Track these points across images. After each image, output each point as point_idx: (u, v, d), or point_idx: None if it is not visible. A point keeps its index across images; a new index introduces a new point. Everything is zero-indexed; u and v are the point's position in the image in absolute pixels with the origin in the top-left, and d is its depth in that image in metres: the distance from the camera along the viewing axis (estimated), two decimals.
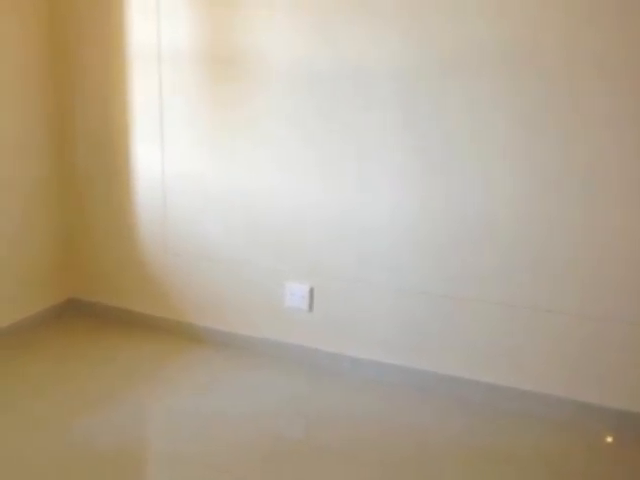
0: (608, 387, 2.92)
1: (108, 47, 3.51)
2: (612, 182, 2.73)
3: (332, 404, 3.13)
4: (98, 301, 3.92)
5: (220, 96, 3.32)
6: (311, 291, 3.36)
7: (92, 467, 2.60)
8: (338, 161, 3.14)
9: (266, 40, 3.15)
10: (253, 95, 3.24)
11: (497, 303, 3.01)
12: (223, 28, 3.23)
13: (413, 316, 3.18)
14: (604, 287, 2.84)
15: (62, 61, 3.65)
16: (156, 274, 3.71)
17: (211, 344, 3.62)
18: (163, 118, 3.46)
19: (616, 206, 2.75)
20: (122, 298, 3.85)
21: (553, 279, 2.91)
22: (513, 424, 2.97)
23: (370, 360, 3.31)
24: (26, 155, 3.60)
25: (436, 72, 2.88)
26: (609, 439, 2.89)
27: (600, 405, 2.94)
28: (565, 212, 2.82)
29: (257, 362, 3.46)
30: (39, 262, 3.78)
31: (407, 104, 2.95)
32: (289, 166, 3.25)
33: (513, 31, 2.73)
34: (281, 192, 3.30)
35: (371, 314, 3.26)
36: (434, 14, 2.82)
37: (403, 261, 3.13)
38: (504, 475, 2.64)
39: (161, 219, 3.60)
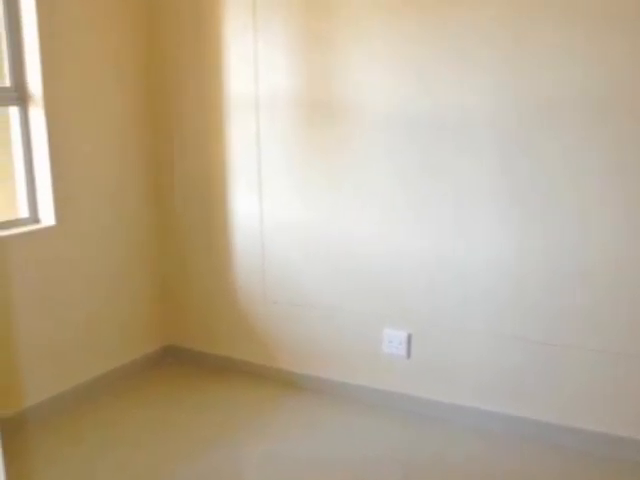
0: None
1: (206, 95, 3.64)
2: None
3: (430, 451, 3.09)
4: (195, 348, 4.00)
5: (317, 143, 3.40)
6: (409, 337, 3.36)
7: None
8: (435, 207, 3.16)
9: (364, 86, 3.21)
10: (350, 141, 3.31)
11: (593, 349, 2.96)
12: (321, 74, 3.31)
13: (510, 362, 3.14)
14: None
15: (160, 110, 3.80)
16: (254, 321, 3.77)
17: (308, 391, 3.63)
18: (261, 166, 3.56)
19: None
20: (219, 345, 3.92)
21: None
22: (611, 471, 2.90)
23: (468, 407, 3.27)
24: (125, 204, 3.75)
25: (533, 118, 2.91)
26: None
27: None
28: None
29: (355, 409, 3.45)
30: (137, 309, 3.90)
31: (504, 150, 2.98)
32: (386, 212, 3.29)
33: (610, 78, 2.74)
34: (378, 238, 3.33)
35: (469, 360, 3.24)
36: (530, 61, 2.86)
37: (500, 307, 3.12)
38: None
39: (259, 266, 3.68)
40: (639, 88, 2.71)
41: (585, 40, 2.75)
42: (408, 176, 3.21)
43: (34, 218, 3.38)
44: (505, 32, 2.89)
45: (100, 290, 3.64)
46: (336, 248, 3.45)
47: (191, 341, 4.02)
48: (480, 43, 2.94)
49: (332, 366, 3.59)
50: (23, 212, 3.37)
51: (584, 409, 3.04)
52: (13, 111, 3.30)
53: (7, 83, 3.24)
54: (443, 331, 3.27)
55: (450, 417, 3.31)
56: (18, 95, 3.26)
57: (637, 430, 2.96)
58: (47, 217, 3.37)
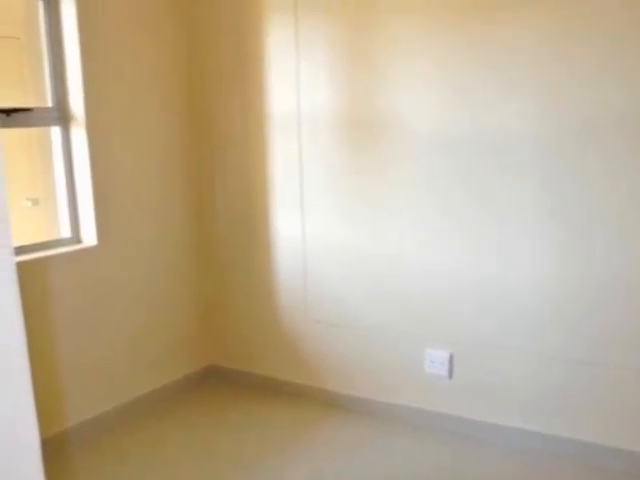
0: None
1: (247, 114, 3.64)
2: None
3: (473, 471, 3.02)
4: (238, 368, 3.97)
5: (360, 162, 3.36)
6: (451, 357, 3.29)
7: None
8: (477, 226, 3.10)
9: (406, 106, 3.18)
10: (392, 161, 3.26)
11: (636, 369, 2.87)
12: (363, 94, 3.28)
13: (553, 382, 3.06)
14: None
15: (201, 128, 3.80)
16: (296, 341, 3.73)
17: (351, 411, 3.57)
18: (303, 184, 3.53)
19: None
20: (261, 365, 3.88)
21: None
22: None
23: (510, 427, 3.19)
24: (166, 223, 3.75)
25: (574, 137, 2.83)
26: None
27: None
28: None
29: (397, 429, 3.38)
30: (180, 329, 3.88)
31: (547, 170, 2.90)
32: (428, 232, 3.23)
33: None
34: (420, 257, 3.27)
35: (511, 380, 3.16)
36: (571, 81, 2.79)
37: (543, 326, 3.03)
38: None
39: (301, 285, 3.64)
40: None
41: (627, 60, 2.68)
42: (450, 196, 3.15)
43: (76, 238, 3.39)
44: (548, 53, 2.83)
45: (142, 310, 3.64)
46: (378, 268, 3.40)
47: (233, 361, 3.99)
48: (523, 64, 2.89)
49: (374, 386, 3.53)
50: (65, 232, 3.39)
51: (626, 429, 2.95)
52: (55, 131, 3.32)
53: (49, 103, 3.27)
54: (485, 351, 3.20)
55: (493, 437, 3.23)
56: (60, 115, 3.29)
57: None
58: (89, 237, 3.38)
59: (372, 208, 3.37)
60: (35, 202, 3.62)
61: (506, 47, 2.91)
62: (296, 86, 3.45)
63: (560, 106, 2.84)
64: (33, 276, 3.11)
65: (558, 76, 2.83)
